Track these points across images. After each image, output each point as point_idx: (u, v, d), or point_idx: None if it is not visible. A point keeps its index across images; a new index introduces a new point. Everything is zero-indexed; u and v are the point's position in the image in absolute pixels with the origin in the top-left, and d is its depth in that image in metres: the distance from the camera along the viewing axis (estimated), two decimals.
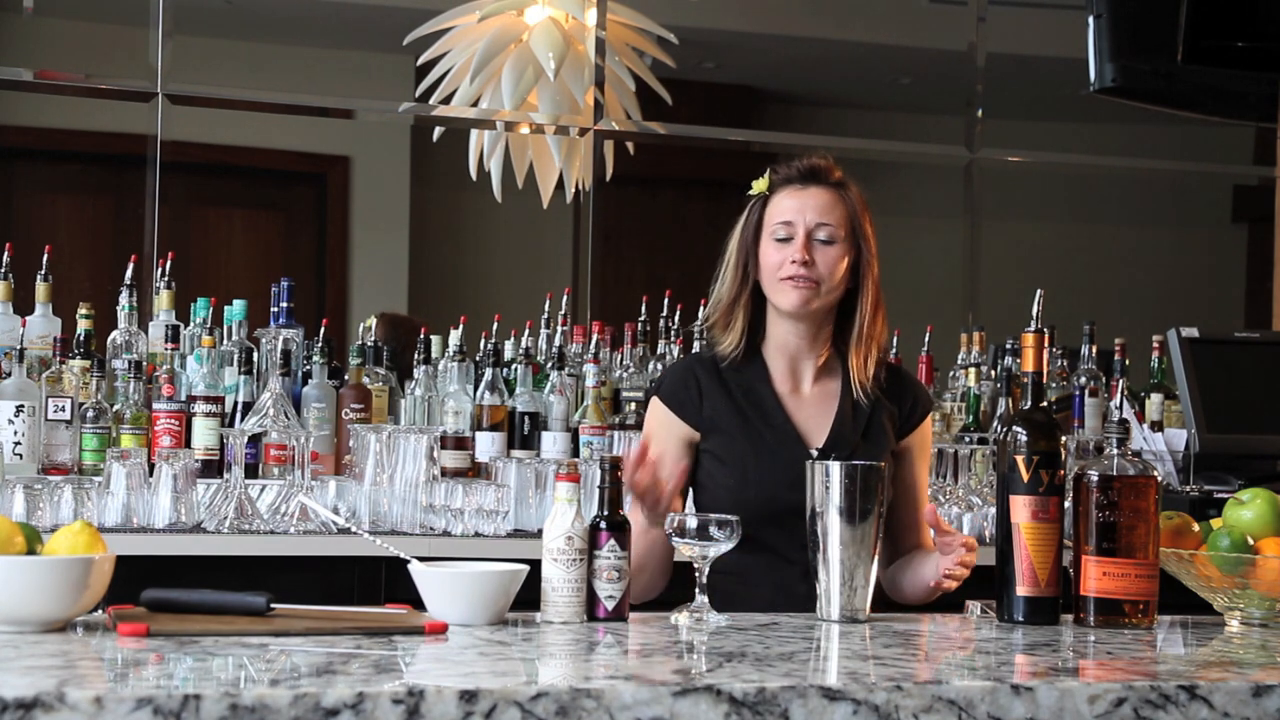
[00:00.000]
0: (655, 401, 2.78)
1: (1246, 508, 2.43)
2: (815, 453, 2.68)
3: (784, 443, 2.70)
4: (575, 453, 4.08)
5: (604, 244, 5.10)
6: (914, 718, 1.68)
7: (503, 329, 4.29)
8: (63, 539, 1.99)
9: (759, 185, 2.78)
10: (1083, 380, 4.45)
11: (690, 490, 2.78)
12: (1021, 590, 2.32)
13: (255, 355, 3.95)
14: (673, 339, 4.41)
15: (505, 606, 2.17)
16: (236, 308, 4.06)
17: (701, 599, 2.32)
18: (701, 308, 4.36)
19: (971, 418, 4.34)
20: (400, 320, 4.81)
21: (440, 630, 2.04)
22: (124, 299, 4.05)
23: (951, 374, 4.61)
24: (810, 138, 5.73)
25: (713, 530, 2.32)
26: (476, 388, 4.10)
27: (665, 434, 2.74)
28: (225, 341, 4.03)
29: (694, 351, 4.20)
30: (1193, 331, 4.17)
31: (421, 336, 4.20)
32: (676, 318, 4.43)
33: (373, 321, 4.69)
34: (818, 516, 2.35)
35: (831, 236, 2.70)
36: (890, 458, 2.72)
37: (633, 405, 4.14)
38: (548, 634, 2.11)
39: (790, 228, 2.70)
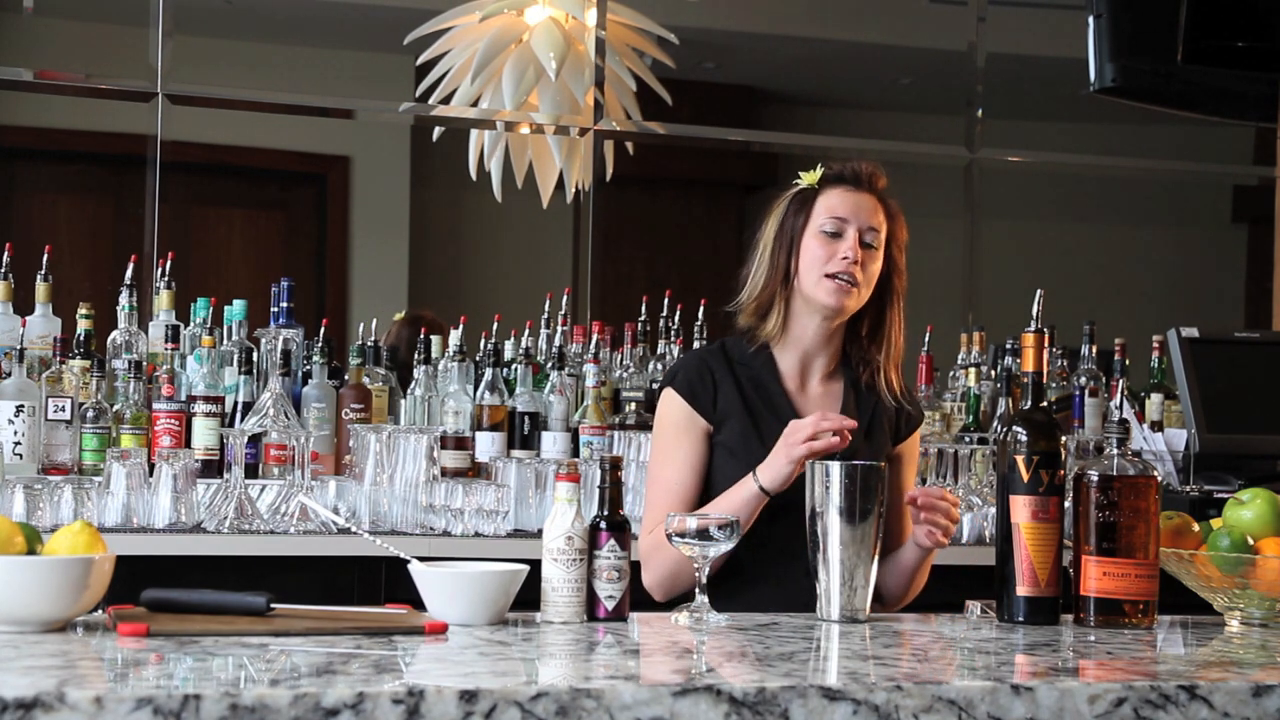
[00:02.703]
0: (670, 394, 2.76)
1: (1246, 508, 2.43)
2: None
3: None
4: (575, 453, 4.08)
5: (604, 244, 5.10)
6: (914, 718, 1.68)
7: (503, 329, 4.29)
8: (63, 539, 1.99)
9: (809, 178, 2.75)
10: (1083, 380, 4.45)
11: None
12: (1021, 590, 2.32)
13: (255, 355, 3.95)
14: (673, 339, 4.41)
15: (505, 606, 2.17)
16: (236, 308, 4.06)
17: (701, 599, 2.32)
18: (702, 307, 4.39)
19: (971, 418, 4.34)
20: (421, 320, 4.78)
21: (440, 630, 2.04)
22: (124, 299, 4.05)
23: (951, 374, 4.61)
24: (810, 138, 5.74)
25: (713, 530, 2.32)
26: (476, 388, 4.10)
27: (686, 424, 2.74)
28: (225, 341, 4.03)
29: (703, 345, 4.20)
30: (1193, 331, 4.17)
31: (421, 337, 4.20)
32: (676, 318, 4.43)
33: (400, 315, 4.70)
34: (818, 516, 2.35)
35: (875, 242, 2.71)
36: (885, 461, 2.73)
37: (633, 405, 4.13)
38: (548, 634, 2.11)
39: (843, 224, 2.70)
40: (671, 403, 2.76)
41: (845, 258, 2.67)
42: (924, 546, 2.63)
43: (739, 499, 2.60)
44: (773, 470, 2.58)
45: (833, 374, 2.80)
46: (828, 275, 2.68)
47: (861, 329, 2.79)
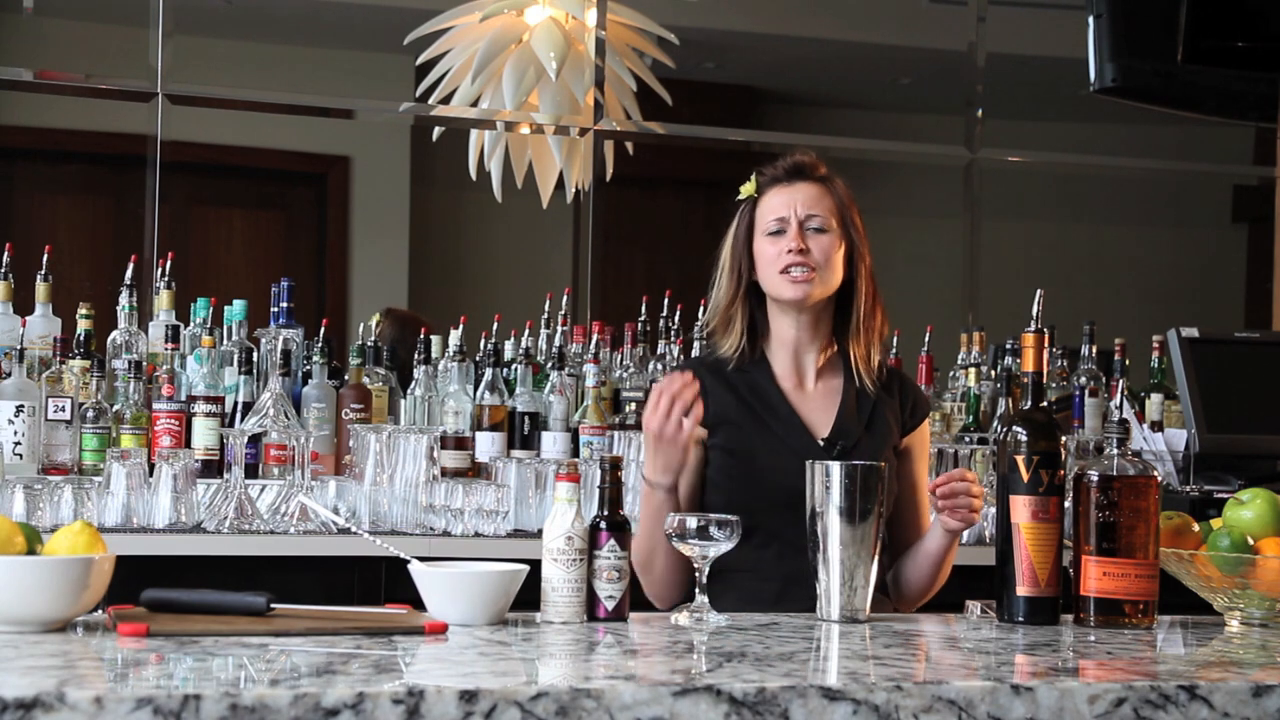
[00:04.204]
0: None
1: (1246, 508, 2.43)
2: (822, 441, 2.70)
3: (790, 432, 2.73)
4: (575, 453, 4.08)
5: (604, 244, 5.10)
6: (914, 718, 1.68)
7: (503, 329, 4.29)
8: (63, 539, 1.99)
9: (746, 189, 2.84)
10: (1083, 380, 4.45)
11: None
12: (1021, 590, 2.32)
13: (255, 355, 3.95)
14: (673, 339, 4.41)
15: (505, 606, 2.17)
16: (236, 308, 4.06)
17: (701, 599, 2.32)
18: (702, 308, 4.37)
19: (971, 418, 4.34)
20: (407, 317, 4.80)
21: (440, 630, 2.04)
22: (124, 299, 4.05)
23: (951, 374, 4.61)
24: (810, 138, 5.73)
25: (713, 530, 2.32)
26: (476, 388, 4.10)
27: None
28: (225, 341, 4.03)
29: (694, 355, 4.21)
30: (1193, 331, 4.17)
31: (421, 336, 4.20)
32: (676, 318, 4.43)
33: (377, 318, 4.69)
34: (818, 516, 2.35)
35: (823, 225, 2.75)
36: (892, 455, 2.75)
37: (633, 405, 4.14)
38: (548, 634, 2.11)
39: (782, 221, 2.75)
40: None
41: (789, 250, 2.72)
42: (951, 530, 2.64)
43: (642, 501, 2.69)
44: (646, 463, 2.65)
45: (830, 372, 2.81)
46: (780, 272, 2.73)
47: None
